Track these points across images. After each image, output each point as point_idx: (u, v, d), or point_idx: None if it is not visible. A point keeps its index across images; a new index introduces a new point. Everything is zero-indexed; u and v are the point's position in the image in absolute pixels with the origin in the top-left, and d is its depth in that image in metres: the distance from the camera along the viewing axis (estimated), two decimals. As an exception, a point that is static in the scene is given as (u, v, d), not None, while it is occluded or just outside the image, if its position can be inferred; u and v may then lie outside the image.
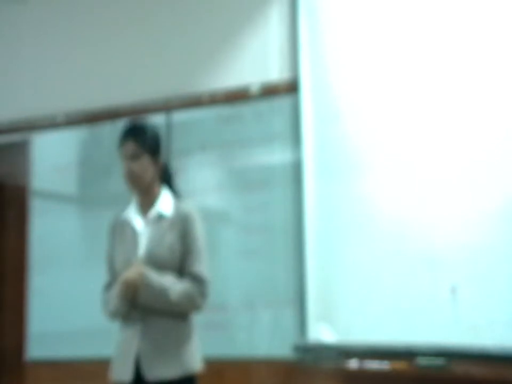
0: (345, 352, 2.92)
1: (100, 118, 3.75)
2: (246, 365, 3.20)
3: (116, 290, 2.21)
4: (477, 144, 2.72)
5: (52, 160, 3.83)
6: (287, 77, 3.32)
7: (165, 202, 2.31)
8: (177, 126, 3.55)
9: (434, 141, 2.82)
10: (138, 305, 2.18)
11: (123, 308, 2.19)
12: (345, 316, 2.94)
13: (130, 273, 2.16)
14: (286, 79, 3.33)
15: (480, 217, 2.65)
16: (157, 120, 3.57)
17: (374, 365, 2.85)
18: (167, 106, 3.57)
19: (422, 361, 2.72)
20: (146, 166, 2.28)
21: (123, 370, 2.19)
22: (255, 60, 3.44)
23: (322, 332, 3.01)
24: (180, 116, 3.55)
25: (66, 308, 3.62)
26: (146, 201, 2.32)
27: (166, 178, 2.40)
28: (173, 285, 2.19)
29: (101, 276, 3.54)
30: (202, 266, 2.25)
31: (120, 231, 2.34)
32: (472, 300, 2.64)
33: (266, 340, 3.12)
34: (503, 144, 2.67)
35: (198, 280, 2.23)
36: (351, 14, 3.10)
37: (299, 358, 3.06)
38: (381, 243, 2.87)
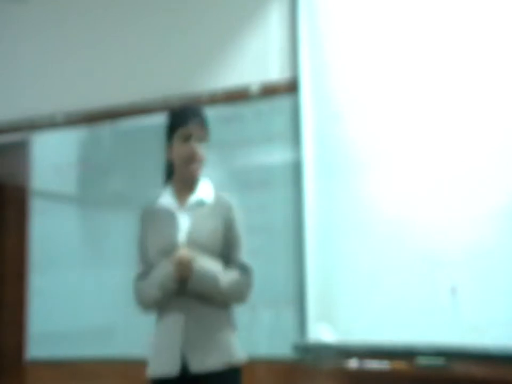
0: (345, 352, 2.92)
1: (99, 118, 3.75)
2: (246, 365, 3.19)
3: (160, 271, 2.12)
4: (477, 145, 2.72)
5: (52, 160, 3.83)
6: (287, 77, 3.32)
7: (205, 190, 2.25)
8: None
9: (434, 141, 2.82)
10: (186, 291, 2.10)
11: (170, 287, 2.10)
12: (345, 316, 2.95)
13: (181, 253, 2.09)
14: (286, 79, 3.33)
15: (480, 218, 2.65)
16: (157, 120, 3.58)
17: (374, 364, 2.85)
18: (167, 106, 3.56)
19: (422, 361, 2.72)
20: (205, 153, 2.23)
21: (167, 363, 2.09)
22: (255, 60, 3.44)
23: (322, 332, 3.01)
24: (179, 116, 3.55)
25: (66, 307, 3.62)
26: (187, 188, 2.24)
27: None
28: (222, 272, 2.14)
29: (100, 275, 3.58)
30: (245, 256, 2.24)
31: (154, 219, 2.24)
32: (472, 300, 2.64)
33: (266, 340, 3.12)
34: (503, 144, 2.67)
35: (245, 270, 2.20)
36: (351, 14, 3.10)
37: (299, 358, 3.07)
38: (381, 243, 2.88)
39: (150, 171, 3.58)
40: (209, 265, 2.13)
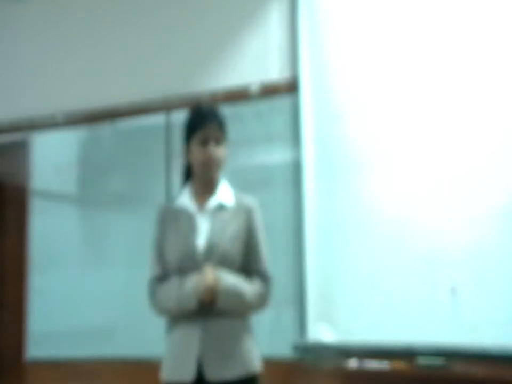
0: (345, 352, 2.92)
1: (99, 118, 3.75)
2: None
3: (182, 289, 2.08)
4: (477, 145, 2.72)
5: (52, 160, 3.83)
6: (287, 76, 3.32)
7: (225, 193, 2.21)
8: (177, 126, 3.55)
9: (434, 141, 2.82)
10: (212, 310, 2.08)
11: (190, 307, 2.07)
12: (345, 315, 2.95)
13: (208, 278, 2.06)
14: (286, 79, 3.33)
15: (480, 218, 2.65)
16: (157, 120, 3.58)
17: (374, 364, 2.85)
18: (167, 106, 3.57)
19: (422, 361, 2.73)
20: (225, 153, 2.19)
21: (183, 370, 2.07)
22: (255, 60, 3.44)
23: (322, 332, 3.01)
24: (179, 116, 3.54)
25: (66, 308, 3.62)
26: (206, 190, 2.20)
27: None
28: (246, 286, 2.12)
29: (100, 275, 3.58)
30: (266, 263, 2.21)
31: (173, 221, 2.19)
32: (472, 299, 2.65)
33: (266, 340, 3.12)
34: (503, 144, 2.67)
35: (265, 279, 2.19)
36: (351, 13, 3.10)
37: (299, 358, 3.07)
38: (381, 243, 2.88)
39: (150, 171, 3.58)
40: (234, 282, 2.10)
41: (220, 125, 2.18)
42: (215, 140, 2.16)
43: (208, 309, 2.08)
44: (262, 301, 2.19)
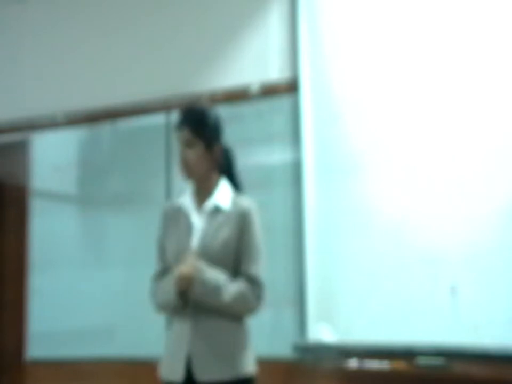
0: (345, 352, 2.92)
1: (99, 118, 3.75)
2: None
3: (168, 282, 2.10)
4: (477, 145, 2.73)
5: (52, 160, 3.83)
6: (287, 76, 3.32)
7: (222, 194, 2.19)
8: (177, 126, 3.55)
9: (434, 141, 2.82)
10: (190, 301, 2.07)
11: (175, 302, 2.08)
12: (345, 315, 2.95)
13: (185, 266, 2.06)
14: (286, 79, 3.33)
15: (480, 217, 2.66)
16: (157, 120, 3.58)
17: (374, 364, 2.85)
18: (167, 106, 3.56)
19: (422, 361, 2.73)
20: (201, 155, 2.16)
21: (173, 370, 2.08)
22: (255, 60, 3.44)
23: (322, 332, 3.01)
24: (179, 116, 3.55)
25: (66, 308, 3.62)
26: (203, 190, 2.20)
27: (226, 166, 2.27)
28: (227, 284, 2.07)
29: (100, 275, 3.58)
30: (258, 268, 2.13)
31: (174, 218, 2.22)
32: (472, 299, 2.65)
33: (266, 340, 3.12)
34: (503, 144, 2.67)
35: (254, 283, 2.11)
36: (351, 14, 3.11)
37: (299, 358, 3.07)
38: (381, 243, 2.88)
39: (150, 171, 3.58)
40: (213, 276, 2.08)
41: (190, 127, 2.17)
42: (185, 144, 2.17)
43: (185, 300, 2.07)
44: (245, 303, 2.11)
